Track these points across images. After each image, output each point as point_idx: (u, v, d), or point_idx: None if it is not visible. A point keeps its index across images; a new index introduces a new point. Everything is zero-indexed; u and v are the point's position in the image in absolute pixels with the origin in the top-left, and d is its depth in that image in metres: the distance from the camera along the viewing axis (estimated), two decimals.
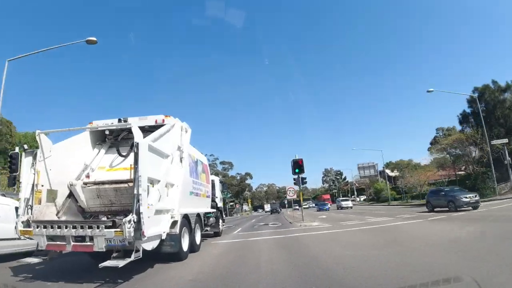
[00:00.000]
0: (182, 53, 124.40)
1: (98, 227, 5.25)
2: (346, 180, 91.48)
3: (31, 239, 6.05)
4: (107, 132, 7.73)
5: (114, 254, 5.37)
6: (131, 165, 6.26)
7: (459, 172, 36.74)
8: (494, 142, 26.63)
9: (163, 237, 6.20)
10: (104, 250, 5.28)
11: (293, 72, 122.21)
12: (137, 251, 5.29)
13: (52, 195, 6.55)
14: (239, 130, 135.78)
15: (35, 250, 6.34)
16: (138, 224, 5.08)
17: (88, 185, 6.99)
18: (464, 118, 35.50)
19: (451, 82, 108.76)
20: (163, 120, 7.61)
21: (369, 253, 6.65)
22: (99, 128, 7.65)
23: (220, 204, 13.90)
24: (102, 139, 8.05)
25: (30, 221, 5.81)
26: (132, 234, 5.03)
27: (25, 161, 6.26)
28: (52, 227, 5.57)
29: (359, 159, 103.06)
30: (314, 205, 70.12)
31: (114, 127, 7.36)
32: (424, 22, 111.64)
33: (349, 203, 43.98)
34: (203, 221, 9.87)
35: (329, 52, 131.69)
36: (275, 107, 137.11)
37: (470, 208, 16.73)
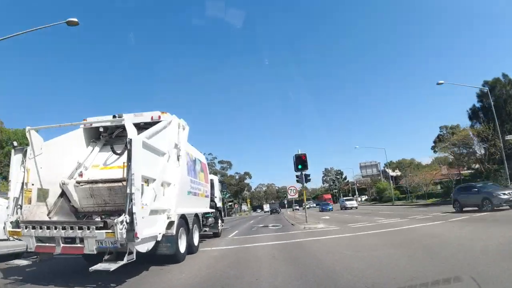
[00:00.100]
0: (182, 52, 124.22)
1: (88, 228, 4.98)
2: (347, 180, 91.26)
3: (20, 240, 5.79)
4: (101, 130, 7.48)
5: (106, 257, 5.09)
6: (124, 163, 5.99)
7: (464, 172, 36.10)
8: (509, 137, 24.80)
9: (159, 238, 5.94)
10: (95, 252, 5.01)
11: (293, 72, 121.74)
12: (131, 253, 5.01)
13: (43, 194, 6.28)
14: (238, 130, 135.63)
15: (25, 252, 6.08)
16: (131, 225, 4.80)
17: (81, 184, 6.73)
18: (474, 114, 33.37)
19: (456, 80, 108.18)
20: (159, 117, 7.34)
21: (397, 265, 5.26)
22: (94, 125, 7.41)
23: (219, 204, 13.63)
24: (96, 136, 7.79)
25: (19, 222, 5.56)
26: (125, 235, 4.76)
27: (15, 159, 5.99)
28: (41, 228, 5.31)
29: (360, 159, 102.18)
30: (315, 205, 69.72)
31: (108, 123, 7.11)
32: (424, 22, 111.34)
33: (354, 203, 41.39)
34: (201, 222, 9.61)
35: (328, 52, 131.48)
36: (275, 107, 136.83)
37: (507, 207, 14.42)
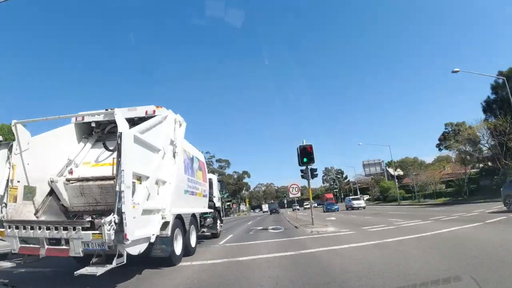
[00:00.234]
0: (182, 52, 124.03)
1: (74, 229, 4.61)
2: (347, 179, 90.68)
3: (3, 240, 5.43)
4: (93, 125, 7.11)
5: (94, 260, 4.71)
6: (113, 158, 5.62)
7: (469, 171, 35.40)
8: None
9: (152, 240, 5.55)
10: (81, 255, 4.64)
11: (293, 71, 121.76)
12: (120, 256, 4.63)
13: (30, 192, 5.91)
14: (238, 129, 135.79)
15: (9, 253, 5.72)
16: (120, 226, 4.42)
17: (71, 181, 6.37)
18: (488, 106, 31.72)
19: (457, 82, 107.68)
20: (154, 111, 6.96)
21: None
22: (85, 120, 7.06)
23: (218, 204, 13.22)
24: (88, 132, 7.42)
25: (3, 221, 5.20)
26: (113, 237, 4.38)
27: (0, 154, 5.66)
28: (24, 228, 4.94)
29: (361, 158, 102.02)
30: (315, 204, 69.02)
31: (99, 118, 6.72)
32: (431, 18, 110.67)
33: (362, 203, 37.97)
34: (199, 222, 9.23)
35: (328, 51, 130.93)
36: (274, 106, 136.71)
37: None
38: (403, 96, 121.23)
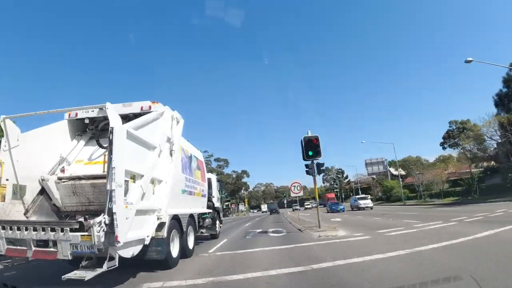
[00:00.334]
0: (181, 52, 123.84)
1: (62, 230, 4.32)
2: (348, 179, 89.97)
3: None
4: (87, 121, 6.84)
5: (84, 263, 4.45)
6: (105, 154, 5.34)
7: (474, 170, 34.89)
8: None
9: (147, 242, 5.29)
10: (69, 258, 4.35)
11: (293, 71, 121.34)
12: (112, 259, 4.36)
13: (19, 191, 5.64)
14: (237, 128, 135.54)
15: None
16: (110, 227, 4.15)
17: (63, 180, 6.09)
18: (500, 100, 30.03)
19: (460, 83, 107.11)
20: (150, 107, 6.67)
21: None
22: (79, 116, 6.79)
23: (217, 204, 12.93)
24: (82, 129, 7.14)
25: None
26: (103, 239, 4.11)
27: None
28: (11, 229, 4.67)
29: (362, 158, 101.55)
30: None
31: (92, 114, 6.46)
32: (427, 21, 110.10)
33: (369, 203, 35.28)
34: (197, 223, 8.94)
35: (328, 51, 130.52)
36: (274, 106, 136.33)
37: None
38: (403, 96, 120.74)
